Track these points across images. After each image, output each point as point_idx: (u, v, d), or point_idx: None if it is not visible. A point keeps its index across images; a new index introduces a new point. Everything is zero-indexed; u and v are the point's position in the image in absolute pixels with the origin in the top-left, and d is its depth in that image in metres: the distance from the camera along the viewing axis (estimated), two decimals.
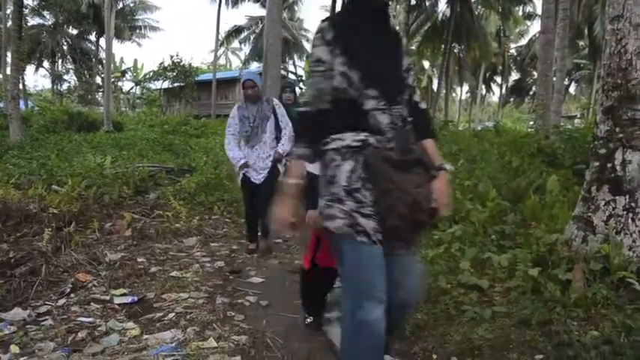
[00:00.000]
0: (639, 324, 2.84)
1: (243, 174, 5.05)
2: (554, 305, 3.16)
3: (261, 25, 32.68)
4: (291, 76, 38.01)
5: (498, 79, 48.23)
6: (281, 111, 5.15)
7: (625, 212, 3.58)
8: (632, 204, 3.59)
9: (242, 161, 4.96)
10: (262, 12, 32.47)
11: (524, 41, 43.16)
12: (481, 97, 52.08)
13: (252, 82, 4.98)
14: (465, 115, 51.45)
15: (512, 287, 3.47)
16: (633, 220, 3.58)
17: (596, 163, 3.73)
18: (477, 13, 30.62)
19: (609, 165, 3.64)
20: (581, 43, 32.84)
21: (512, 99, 50.77)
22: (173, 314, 3.49)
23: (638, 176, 3.61)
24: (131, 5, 34.73)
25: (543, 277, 3.43)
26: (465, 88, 49.08)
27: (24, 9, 28.49)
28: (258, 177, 5.04)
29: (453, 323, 3.15)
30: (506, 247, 4.13)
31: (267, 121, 5.02)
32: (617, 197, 3.61)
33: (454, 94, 52.96)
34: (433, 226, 5.00)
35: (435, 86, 37.03)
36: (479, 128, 20.67)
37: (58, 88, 36.40)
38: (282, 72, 29.10)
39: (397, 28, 37.13)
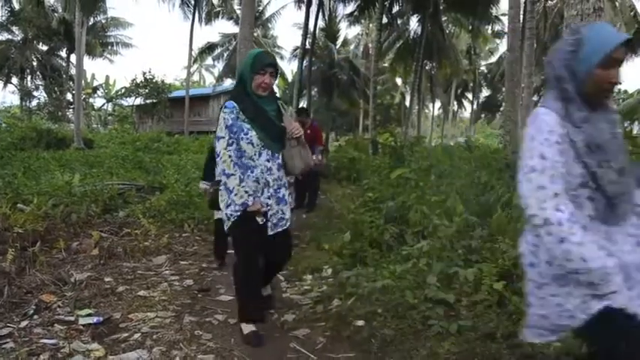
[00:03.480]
0: None
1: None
2: (519, 318, 3.21)
3: (234, 42, 32.70)
4: None
5: (470, 95, 49.11)
6: None
7: None
8: None
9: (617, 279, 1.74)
10: (235, 29, 32.58)
11: (494, 59, 44.11)
12: (453, 114, 52.96)
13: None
14: (438, 131, 52.15)
15: (478, 301, 3.52)
16: None
17: None
18: (447, 31, 31.17)
19: None
20: None
21: (483, 115, 51.70)
22: (139, 334, 3.44)
23: None
24: (103, 22, 34.32)
25: (508, 290, 3.49)
26: (438, 104, 49.92)
27: None
28: None
29: (420, 338, 3.18)
30: (472, 261, 4.19)
31: None
32: None
33: (427, 111, 53.67)
34: (402, 242, 5.06)
35: (407, 103, 37.49)
36: (452, 144, 20.99)
37: (27, 104, 35.70)
38: None
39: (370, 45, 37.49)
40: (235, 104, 3.25)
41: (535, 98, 35.69)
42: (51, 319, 3.66)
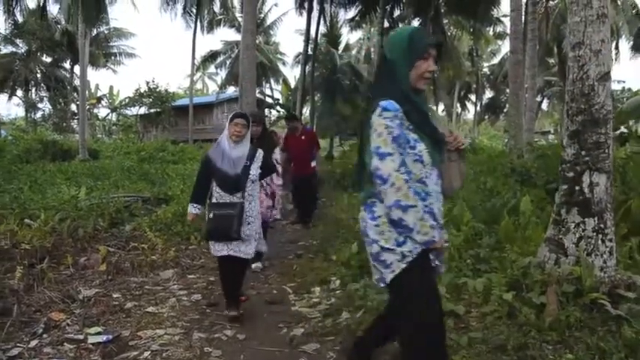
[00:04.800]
0: (612, 346, 2.88)
1: None
2: (529, 329, 3.19)
3: (236, 50, 32.80)
4: (268, 100, 38.27)
5: (473, 97, 49.08)
6: None
7: (595, 234, 3.65)
8: (601, 225, 3.66)
9: None
10: (238, 37, 32.64)
11: (496, 60, 44.08)
12: (457, 115, 52.82)
13: None
14: None
15: (487, 312, 3.50)
16: (603, 241, 3.65)
17: (565, 186, 3.81)
18: (449, 33, 31.15)
19: (577, 188, 3.71)
20: (551, 60, 33.61)
21: (487, 116, 51.61)
22: (148, 352, 3.44)
23: (605, 198, 3.69)
24: (106, 32, 34.48)
25: (518, 301, 3.47)
26: (441, 106, 49.75)
27: None
28: None
29: None
30: (481, 270, 4.17)
31: None
32: (586, 219, 3.68)
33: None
34: None
35: None
36: None
37: (32, 116, 35.93)
38: (259, 95, 29.24)
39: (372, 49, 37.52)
40: (398, 105, 2.27)
41: (539, 99, 35.69)
42: (60, 338, 3.66)
